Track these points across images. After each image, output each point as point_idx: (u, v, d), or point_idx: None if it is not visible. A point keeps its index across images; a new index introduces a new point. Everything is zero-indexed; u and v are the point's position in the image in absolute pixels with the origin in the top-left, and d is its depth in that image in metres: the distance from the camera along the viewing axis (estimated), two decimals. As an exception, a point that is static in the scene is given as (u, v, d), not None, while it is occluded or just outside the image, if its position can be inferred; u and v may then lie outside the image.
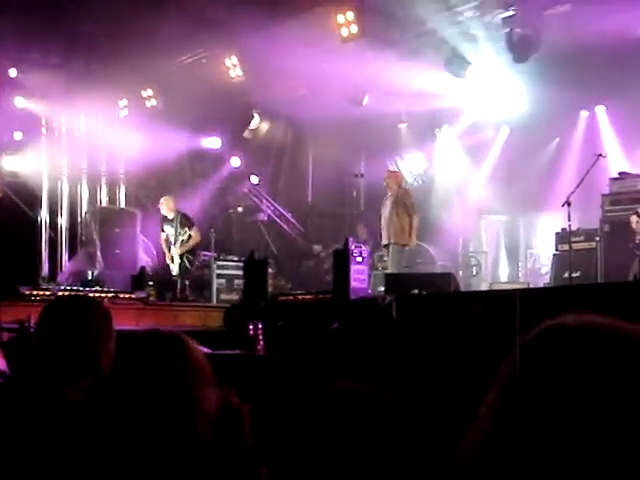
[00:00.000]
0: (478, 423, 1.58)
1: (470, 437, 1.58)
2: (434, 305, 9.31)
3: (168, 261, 16.00)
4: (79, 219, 18.19)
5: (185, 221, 15.93)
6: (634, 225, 12.35)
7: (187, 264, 15.86)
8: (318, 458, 2.01)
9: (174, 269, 15.88)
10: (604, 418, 1.41)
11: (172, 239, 15.92)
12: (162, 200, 16.22)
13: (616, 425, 1.40)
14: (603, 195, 14.40)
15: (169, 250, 16.00)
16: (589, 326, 1.52)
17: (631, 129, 15.72)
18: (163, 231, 16.17)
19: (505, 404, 1.52)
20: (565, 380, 1.45)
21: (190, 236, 15.82)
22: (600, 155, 13.00)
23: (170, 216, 16.02)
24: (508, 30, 13.87)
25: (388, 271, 14.18)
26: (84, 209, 18.37)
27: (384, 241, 14.71)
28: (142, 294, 13.12)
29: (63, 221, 18.18)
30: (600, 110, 16.77)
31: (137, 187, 19.04)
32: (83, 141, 18.51)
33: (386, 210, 14.73)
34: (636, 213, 12.42)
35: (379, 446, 2.02)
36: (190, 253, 15.94)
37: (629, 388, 1.42)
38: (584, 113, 17.06)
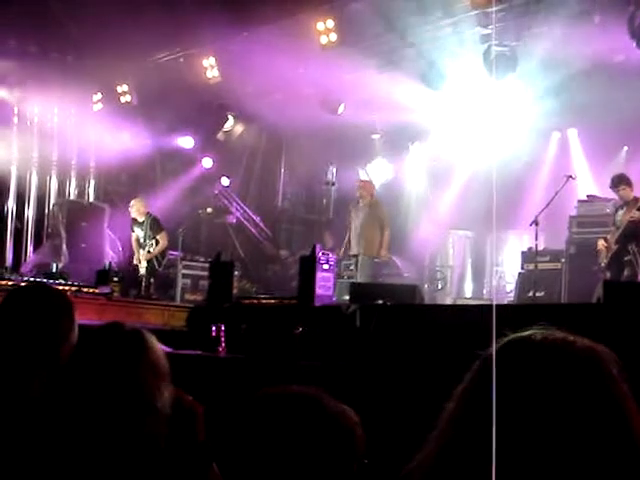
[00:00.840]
0: (438, 432, 1.59)
1: (428, 446, 1.59)
2: (398, 316, 9.32)
3: (136, 262, 15.90)
4: (47, 211, 18.06)
5: (154, 225, 15.81)
6: (600, 248, 12.45)
7: (155, 265, 15.78)
8: (252, 457, 2.04)
9: (141, 269, 15.79)
10: (561, 429, 1.43)
11: (142, 241, 15.83)
12: (133, 202, 16.07)
13: (571, 435, 1.42)
14: (571, 217, 14.51)
15: (139, 250, 15.91)
16: (551, 341, 1.54)
17: (601, 153, 15.86)
18: (133, 232, 16.07)
19: (466, 414, 1.53)
20: (525, 390, 1.47)
21: (157, 242, 15.74)
22: (570, 177, 13.09)
23: (140, 219, 15.90)
24: (486, 47, 13.95)
25: (354, 280, 14.20)
26: (52, 201, 18.24)
27: (353, 251, 14.74)
28: (106, 289, 13.04)
29: (30, 212, 18.04)
30: (572, 132, 16.91)
31: (107, 182, 18.95)
32: (55, 132, 18.39)
33: (358, 220, 14.75)
34: (604, 238, 12.52)
35: (308, 449, 2.04)
36: (156, 258, 15.85)
37: (582, 401, 1.45)
38: (556, 134, 17.19)
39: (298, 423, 2.08)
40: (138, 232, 15.95)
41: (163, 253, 15.99)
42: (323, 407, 2.13)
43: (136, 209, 15.98)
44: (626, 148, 15.62)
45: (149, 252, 15.71)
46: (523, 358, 1.52)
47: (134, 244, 16.08)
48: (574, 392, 1.47)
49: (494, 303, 14.45)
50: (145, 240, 15.80)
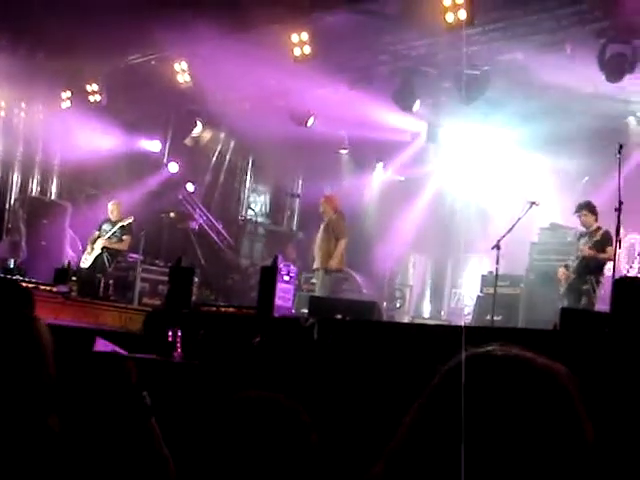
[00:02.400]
0: (396, 444, 1.59)
1: (387, 458, 1.59)
2: (355, 331, 9.33)
3: (85, 255, 15.84)
4: (7, 206, 17.89)
5: (126, 228, 15.90)
6: (560, 276, 12.55)
7: (105, 261, 15.72)
8: (222, 460, 2.04)
9: (87, 261, 15.72)
10: (520, 442, 1.46)
11: (104, 235, 15.78)
12: (113, 203, 16.21)
13: (528, 448, 1.45)
14: (532, 243, 14.62)
15: (92, 244, 15.84)
16: (511, 356, 1.57)
17: (566, 180, 16.00)
18: (99, 230, 16.01)
19: (427, 426, 1.53)
20: (485, 404, 1.49)
21: (122, 240, 15.73)
22: (533, 203, 13.18)
23: (114, 219, 16.00)
24: (458, 70, 14.03)
25: (314, 293, 14.21)
26: (14, 197, 18.08)
27: (315, 265, 14.75)
28: (64, 288, 12.93)
29: (-10, 206, 17.89)
30: (538, 158, 17.03)
31: (71, 181, 18.81)
32: (21, 128, 18.24)
33: (319, 234, 14.79)
34: (565, 266, 12.62)
35: (280, 451, 2.06)
36: (112, 253, 15.80)
37: (540, 415, 1.48)
38: (521, 160, 17.30)
39: (261, 422, 2.11)
40: (105, 227, 15.95)
41: (117, 253, 15.94)
42: (281, 406, 2.16)
43: (116, 210, 16.11)
44: (587, 178, 15.79)
45: (111, 241, 15.68)
46: (484, 372, 1.54)
47: (90, 241, 16.06)
48: (533, 406, 1.50)
49: (464, 325, 14.54)
50: (110, 236, 15.79)
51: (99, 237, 15.94)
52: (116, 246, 15.85)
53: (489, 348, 1.62)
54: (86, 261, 15.81)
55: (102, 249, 15.76)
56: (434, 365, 1.67)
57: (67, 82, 17.56)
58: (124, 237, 15.87)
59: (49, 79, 16.80)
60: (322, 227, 14.82)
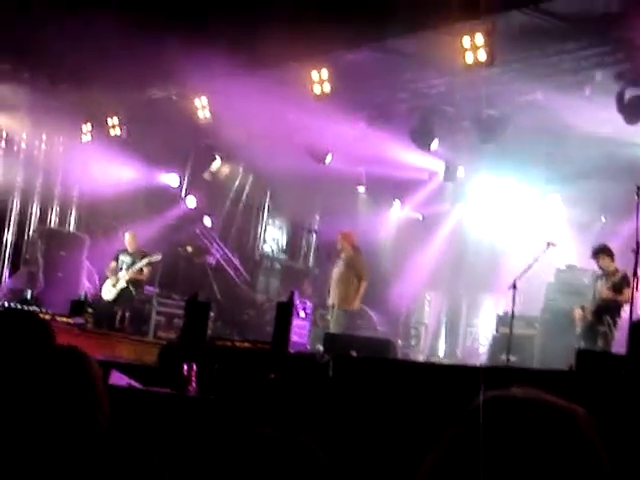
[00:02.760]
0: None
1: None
2: (371, 369, 9.31)
3: (108, 287, 15.85)
4: (26, 237, 17.98)
5: (144, 257, 15.94)
6: (577, 317, 12.51)
7: (132, 292, 15.78)
8: None
9: (111, 293, 15.76)
10: None
11: (124, 266, 15.83)
12: (129, 234, 16.30)
13: None
14: (548, 284, 14.58)
15: (114, 275, 15.91)
16: (531, 398, 1.57)
17: (583, 221, 15.99)
18: (116, 261, 16.09)
19: (450, 467, 1.54)
20: (507, 446, 1.49)
21: (142, 270, 15.79)
22: (550, 244, 13.17)
23: (131, 250, 16.09)
24: (477, 110, 14.08)
25: (329, 330, 14.20)
26: (32, 228, 18.18)
27: (331, 301, 14.75)
28: (80, 320, 12.98)
29: (9, 237, 17.97)
30: (554, 199, 17.02)
31: (89, 213, 18.90)
32: (41, 159, 18.37)
33: (337, 271, 14.79)
34: (581, 307, 12.58)
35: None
36: (136, 284, 15.85)
37: (562, 459, 1.48)
38: (539, 200, 17.30)
39: (276, 460, 2.13)
40: (124, 259, 16.02)
41: (141, 283, 15.99)
42: (296, 444, 2.17)
43: (132, 240, 16.19)
44: (604, 220, 15.78)
45: (134, 272, 15.80)
46: (506, 415, 1.54)
47: (109, 272, 16.08)
48: (555, 450, 1.50)
49: (480, 365, 14.46)
50: (131, 265, 15.89)
51: (115, 268, 15.96)
52: (139, 276, 15.90)
53: (510, 390, 1.62)
54: (109, 293, 15.83)
55: (127, 282, 15.80)
56: (449, 405, 1.67)
57: (88, 115, 17.69)
58: (145, 268, 15.93)
59: (70, 112, 16.93)
60: (341, 264, 14.83)
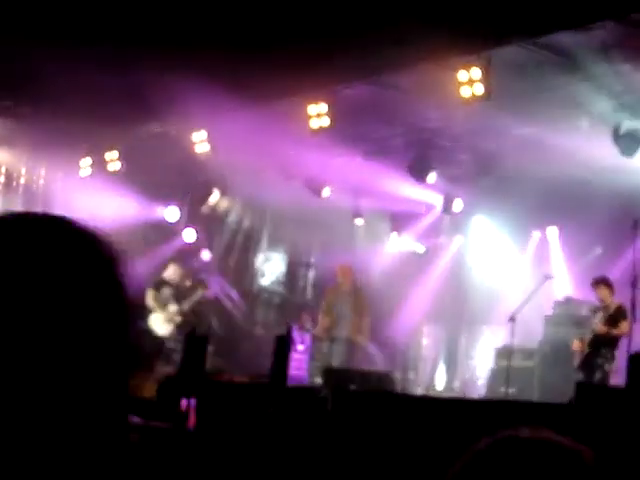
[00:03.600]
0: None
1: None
2: (370, 403, 9.30)
3: (160, 322, 16.00)
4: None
5: (188, 293, 16.38)
6: (576, 349, 12.50)
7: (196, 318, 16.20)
8: None
9: (166, 329, 15.94)
10: None
11: (170, 298, 16.17)
12: (172, 267, 16.83)
13: None
14: (546, 316, 14.59)
15: (160, 306, 16.13)
16: (542, 440, 1.59)
17: (581, 254, 16.02)
18: (157, 290, 16.27)
19: None
20: None
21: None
22: (548, 276, 13.23)
23: (174, 281, 16.45)
24: (474, 143, 14.16)
25: (330, 364, 14.20)
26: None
27: (340, 333, 14.77)
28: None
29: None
30: (552, 231, 17.07)
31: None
32: (40, 194, 18.41)
33: (339, 304, 14.84)
34: (580, 339, 12.58)
35: None
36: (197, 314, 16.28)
37: None
38: (536, 233, 17.35)
39: None
40: (166, 291, 16.22)
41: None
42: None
43: (175, 273, 16.63)
44: (599, 250, 15.86)
45: (191, 301, 16.19)
46: (513, 455, 1.56)
47: (153, 302, 16.18)
48: None
49: (487, 400, 14.45)
50: (171, 300, 16.21)
51: (160, 299, 16.20)
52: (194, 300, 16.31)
53: (519, 430, 1.63)
54: (163, 328, 16.00)
55: (184, 314, 16.18)
56: (448, 438, 1.69)
57: (86, 150, 17.75)
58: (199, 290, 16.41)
59: (68, 147, 16.98)
60: (345, 297, 14.88)
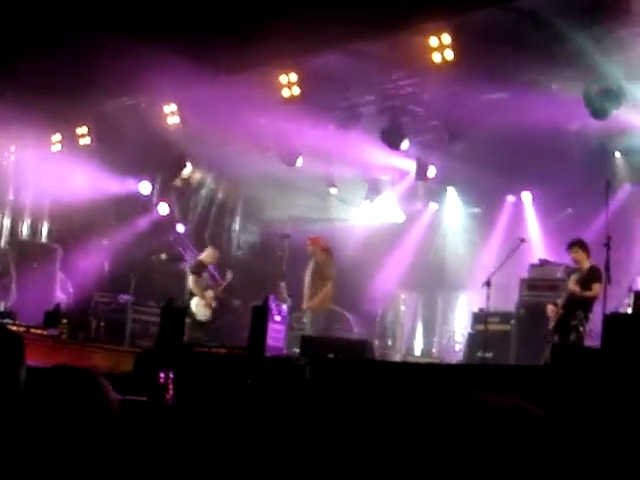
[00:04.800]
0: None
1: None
2: (348, 370, 9.33)
3: (200, 307, 16.16)
4: (-3, 250, 17.89)
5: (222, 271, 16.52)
6: (549, 313, 12.55)
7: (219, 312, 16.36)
8: None
9: (206, 314, 16.12)
10: None
11: (202, 282, 16.38)
12: (209, 250, 16.96)
13: None
14: (522, 280, 14.65)
15: (201, 291, 16.34)
16: (493, 401, 1.61)
17: (554, 217, 16.10)
18: (200, 276, 16.48)
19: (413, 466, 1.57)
20: (469, 445, 1.53)
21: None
22: (522, 240, 13.26)
23: (212, 265, 16.63)
24: (446, 109, 14.14)
25: (305, 333, 14.23)
26: (4, 240, 18.06)
27: (305, 304, 14.82)
28: (54, 331, 12.90)
29: (-20, 250, 17.87)
30: (526, 196, 17.12)
31: (61, 223, 18.79)
32: (10, 171, 18.26)
33: (308, 274, 14.89)
34: (553, 303, 12.63)
35: None
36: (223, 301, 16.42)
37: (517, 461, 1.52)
38: (510, 197, 17.40)
39: None
40: (206, 275, 16.51)
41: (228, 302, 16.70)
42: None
43: (212, 255, 16.80)
44: (570, 211, 15.98)
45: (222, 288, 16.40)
46: (472, 418, 1.58)
47: (196, 289, 16.40)
48: (509, 449, 1.54)
49: (464, 364, 14.52)
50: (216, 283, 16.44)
51: (199, 284, 16.38)
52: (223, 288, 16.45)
53: (474, 392, 1.65)
54: (205, 314, 16.19)
55: (215, 300, 16.33)
56: (426, 403, 1.69)
57: (56, 125, 17.60)
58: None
59: (38, 123, 16.83)
60: (311, 267, 14.91)
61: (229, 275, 16.41)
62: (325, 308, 14.94)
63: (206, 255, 16.84)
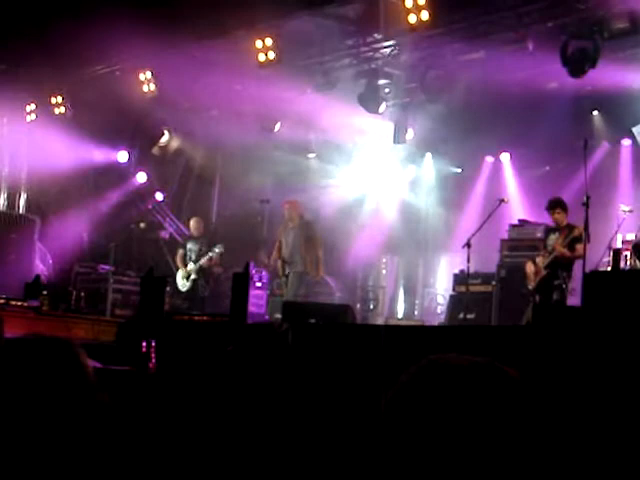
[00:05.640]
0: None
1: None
2: (330, 335, 9.35)
3: (180, 279, 16.07)
4: (-25, 222, 17.77)
5: (211, 241, 16.28)
6: (528, 271, 12.58)
7: (203, 283, 16.10)
8: None
9: (185, 286, 16.00)
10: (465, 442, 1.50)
11: (192, 255, 16.09)
12: (193, 221, 16.62)
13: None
14: (502, 240, 14.68)
15: (184, 265, 16.13)
16: (466, 363, 1.61)
17: (533, 177, 16.13)
18: (184, 249, 16.32)
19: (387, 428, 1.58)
20: (439, 407, 1.54)
21: (211, 259, 16.11)
22: (502, 200, 13.28)
23: (197, 235, 16.37)
24: (422, 71, 14.10)
25: (286, 298, 14.23)
26: (-19, 212, 17.97)
27: (296, 268, 14.79)
28: (35, 303, 12.85)
29: (-43, 222, 17.76)
30: (505, 157, 17.14)
31: (39, 194, 18.68)
32: (-14, 142, 18.14)
33: (289, 239, 14.83)
34: (532, 260, 12.66)
35: None
36: (207, 273, 16.18)
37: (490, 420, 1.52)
38: (489, 159, 17.41)
39: None
40: (191, 246, 16.21)
41: (212, 271, 16.33)
42: None
43: (196, 226, 16.46)
44: (547, 168, 16.04)
45: (209, 259, 16.01)
46: (437, 380, 1.59)
47: (179, 260, 16.27)
48: (475, 408, 1.55)
49: (446, 326, 14.58)
50: (199, 255, 16.04)
51: (184, 256, 16.21)
52: (209, 265, 16.15)
53: (444, 356, 1.66)
54: (184, 286, 16.03)
55: (198, 274, 16.01)
56: (406, 368, 1.69)
57: (31, 95, 17.46)
58: (214, 257, 16.11)
59: (12, 92, 16.68)
60: (293, 233, 14.87)
61: (218, 249, 16.30)
62: (315, 275, 15.02)
63: (191, 227, 16.74)
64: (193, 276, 15.98)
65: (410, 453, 1.53)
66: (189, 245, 16.30)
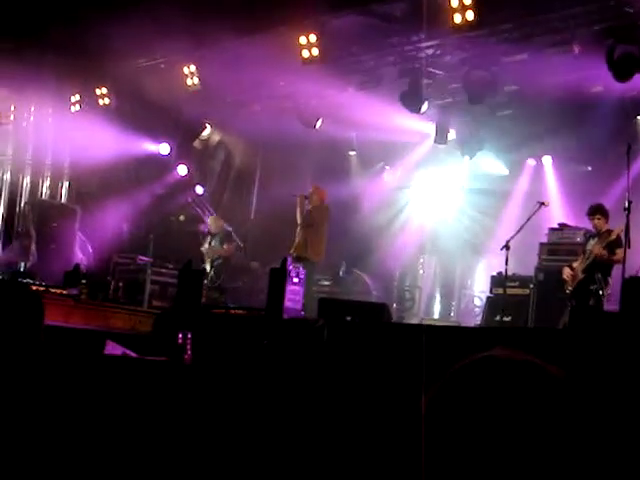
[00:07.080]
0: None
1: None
2: (365, 333, 9.35)
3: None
4: (18, 210, 17.94)
5: (227, 237, 16.85)
6: (565, 277, 12.51)
7: (216, 274, 16.43)
8: None
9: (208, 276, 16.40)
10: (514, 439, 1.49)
11: (209, 252, 16.73)
12: (211, 219, 17.30)
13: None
14: (541, 244, 14.60)
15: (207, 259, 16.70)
16: (514, 359, 1.60)
17: (575, 181, 16.01)
18: (207, 243, 16.89)
19: (429, 427, 1.57)
20: (487, 404, 1.53)
21: (223, 248, 16.70)
22: (542, 204, 13.19)
23: (215, 232, 16.91)
24: (466, 71, 14.03)
25: (324, 295, 14.24)
26: (24, 200, 18.13)
27: (300, 253, 14.79)
28: (74, 291, 12.96)
29: (1, 210, 17.93)
30: (547, 160, 17.01)
31: (81, 184, 18.84)
32: (30, 132, 18.30)
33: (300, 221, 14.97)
34: (569, 266, 12.58)
35: None
36: (220, 264, 16.51)
37: (538, 419, 1.51)
38: (531, 161, 17.29)
39: None
40: (206, 244, 16.83)
41: (226, 260, 16.73)
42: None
43: (214, 224, 17.04)
44: (589, 168, 15.93)
45: (213, 250, 16.62)
46: (487, 376, 1.57)
47: (205, 256, 16.81)
48: (526, 406, 1.53)
49: (482, 327, 14.51)
50: (211, 251, 16.69)
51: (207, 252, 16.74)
52: (220, 252, 16.61)
53: (492, 351, 1.65)
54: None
55: (211, 263, 16.47)
56: (444, 367, 1.69)
57: (76, 86, 17.61)
58: (225, 245, 16.68)
59: (58, 83, 16.84)
60: (306, 214, 14.88)
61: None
62: (320, 260, 14.95)
63: (210, 226, 17.22)
64: (208, 267, 16.29)
65: (459, 448, 1.52)
66: (210, 240, 16.64)
